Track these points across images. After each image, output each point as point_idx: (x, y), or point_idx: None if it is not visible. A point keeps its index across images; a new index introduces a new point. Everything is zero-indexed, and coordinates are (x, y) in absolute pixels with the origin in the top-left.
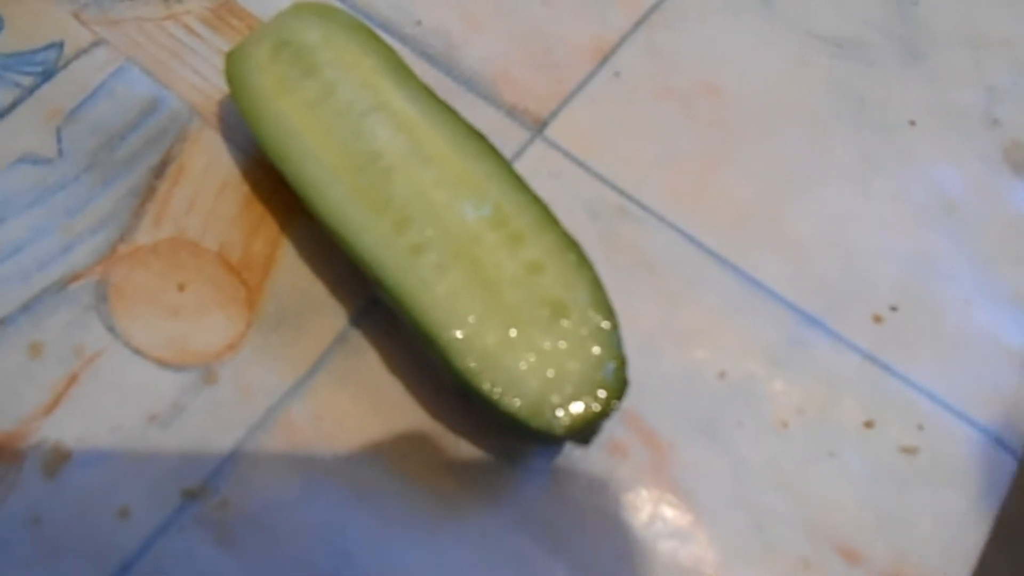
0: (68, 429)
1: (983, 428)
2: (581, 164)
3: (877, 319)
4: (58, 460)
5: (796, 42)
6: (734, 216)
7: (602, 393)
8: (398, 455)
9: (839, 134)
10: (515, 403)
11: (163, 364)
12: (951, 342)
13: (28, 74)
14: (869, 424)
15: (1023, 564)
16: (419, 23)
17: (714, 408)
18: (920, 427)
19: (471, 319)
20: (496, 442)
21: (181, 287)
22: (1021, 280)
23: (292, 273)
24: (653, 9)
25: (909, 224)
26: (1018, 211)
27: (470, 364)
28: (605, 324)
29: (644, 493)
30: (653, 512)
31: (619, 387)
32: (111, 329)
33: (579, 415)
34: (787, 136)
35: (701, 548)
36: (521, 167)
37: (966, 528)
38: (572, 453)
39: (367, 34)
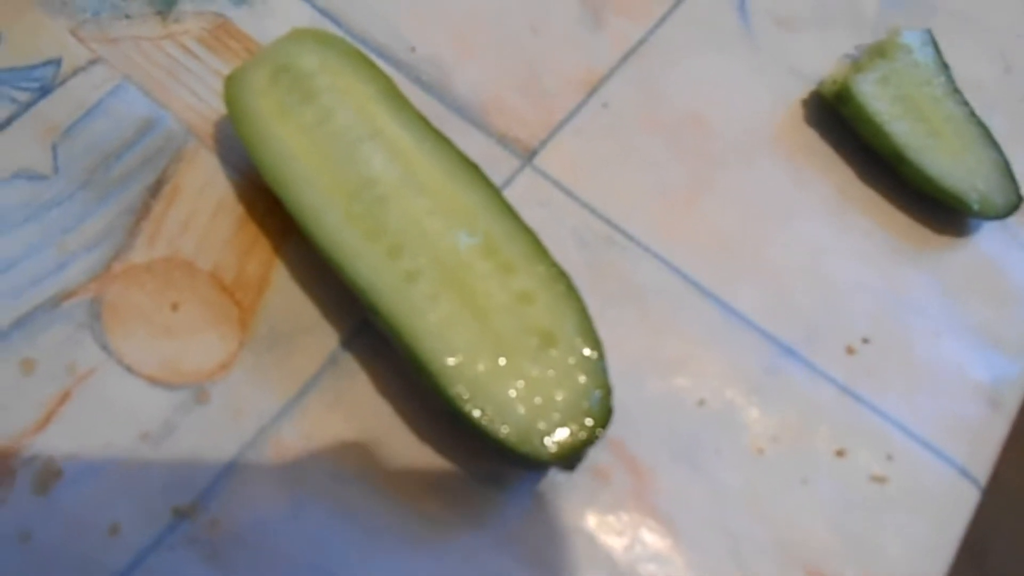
0: (60, 446)
1: (949, 459)
2: (569, 193)
3: (850, 350)
4: (49, 477)
5: (778, 77)
6: (716, 246)
7: (588, 421)
8: (386, 476)
9: (817, 167)
10: (504, 429)
11: (155, 383)
12: (920, 374)
13: (25, 90)
14: (841, 453)
15: None
16: (413, 50)
17: (693, 435)
18: (889, 457)
19: (462, 347)
20: (481, 465)
21: (175, 306)
22: (986, 315)
23: (285, 294)
24: (641, 42)
25: (882, 258)
26: (983, 248)
27: (460, 391)
28: (592, 353)
29: (625, 517)
30: (633, 536)
31: (604, 415)
32: (104, 347)
33: (565, 442)
34: (768, 169)
35: (679, 571)
36: (510, 195)
37: (931, 555)
38: (556, 477)
39: (363, 61)
